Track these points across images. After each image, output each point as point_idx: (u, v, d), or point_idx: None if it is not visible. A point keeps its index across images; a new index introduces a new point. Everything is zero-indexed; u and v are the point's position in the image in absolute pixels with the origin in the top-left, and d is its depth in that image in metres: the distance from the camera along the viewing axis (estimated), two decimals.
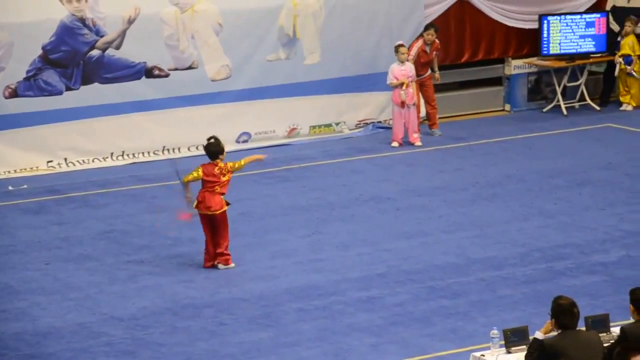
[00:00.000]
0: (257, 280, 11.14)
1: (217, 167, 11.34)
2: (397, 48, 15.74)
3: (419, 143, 15.84)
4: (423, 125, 16.44)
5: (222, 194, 11.38)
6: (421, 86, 16.35)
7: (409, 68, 15.79)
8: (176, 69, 15.80)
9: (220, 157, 11.37)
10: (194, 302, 10.62)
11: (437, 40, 16.34)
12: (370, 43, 16.60)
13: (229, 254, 11.44)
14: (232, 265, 11.43)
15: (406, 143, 15.86)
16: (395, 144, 15.85)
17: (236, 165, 11.45)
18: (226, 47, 15.97)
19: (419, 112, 16.23)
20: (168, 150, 15.82)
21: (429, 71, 16.35)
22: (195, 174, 11.41)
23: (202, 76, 15.90)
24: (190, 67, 15.89)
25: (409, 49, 16.01)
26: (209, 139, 11.44)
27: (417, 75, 16.14)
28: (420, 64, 16.15)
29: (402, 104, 15.68)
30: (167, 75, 15.76)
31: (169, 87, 15.74)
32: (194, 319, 10.23)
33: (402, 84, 15.64)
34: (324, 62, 16.30)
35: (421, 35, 16.34)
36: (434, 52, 16.28)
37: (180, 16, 15.71)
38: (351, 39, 16.34)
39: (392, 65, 15.78)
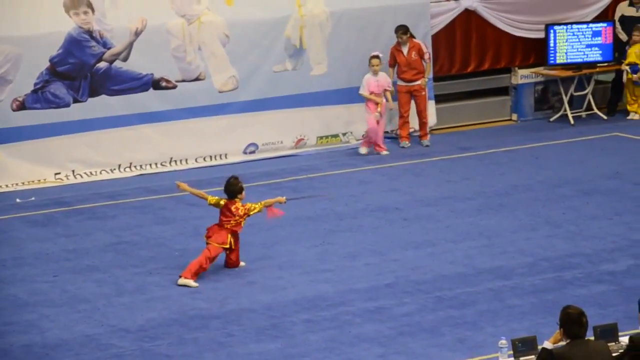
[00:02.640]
0: (265, 291, 11.14)
1: (234, 206, 11.44)
2: (370, 59, 15.74)
3: (385, 152, 15.82)
4: (414, 137, 16.51)
5: (233, 231, 11.46)
6: (414, 97, 16.36)
7: (384, 79, 15.82)
8: (183, 81, 15.84)
9: (239, 196, 11.51)
10: (201, 313, 10.62)
11: (417, 41, 16.26)
12: None
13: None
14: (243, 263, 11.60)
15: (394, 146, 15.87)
16: (364, 150, 15.89)
17: (251, 210, 11.51)
18: (233, 58, 16.01)
19: (408, 123, 16.34)
20: (175, 161, 15.84)
21: (420, 80, 16.31)
22: (219, 201, 11.49)
23: (209, 87, 15.94)
24: (197, 79, 15.93)
25: None
26: (228, 179, 11.57)
27: (403, 80, 16.15)
28: (402, 65, 16.14)
29: (377, 122, 15.76)
30: (174, 87, 15.80)
31: (176, 99, 15.78)
32: (202, 330, 10.24)
33: (377, 103, 15.67)
34: (330, 73, 16.33)
35: None
36: (414, 53, 16.21)
37: (187, 28, 15.76)
38: (358, 50, 16.37)
39: (367, 76, 15.82)
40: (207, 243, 11.52)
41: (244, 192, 11.59)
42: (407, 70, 16.25)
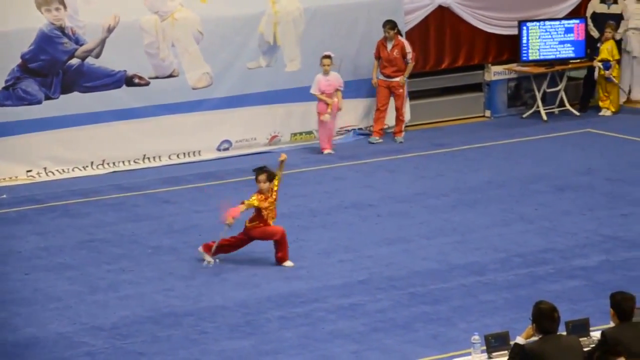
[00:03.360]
0: (238, 288, 11.12)
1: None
2: (321, 59, 15.75)
3: (330, 151, 15.86)
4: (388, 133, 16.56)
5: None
6: (392, 93, 16.38)
7: (335, 78, 15.82)
8: (157, 77, 15.78)
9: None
10: (175, 311, 10.59)
11: (402, 40, 16.28)
12: (350, 50, 16.63)
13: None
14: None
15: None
16: (327, 151, 15.90)
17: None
18: (207, 54, 15.96)
19: (384, 118, 16.33)
20: (149, 158, 15.78)
21: (399, 77, 16.32)
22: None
23: (182, 84, 15.88)
24: (170, 75, 15.87)
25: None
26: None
27: (384, 74, 16.17)
28: (383, 60, 16.18)
29: (327, 123, 15.83)
30: (147, 84, 15.73)
31: (149, 96, 15.71)
32: (175, 328, 10.20)
33: (328, 104, 15.68)
34: (304, 69, 16.30)
35: None
36: (396, 51, 16.23)
37: (160, 24, 15.69)
38: (331, 46, 16.35)
39: (318, 76, 15.81)
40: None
41: (257, 184, 11.53)
42: (387, 65, 16.30)
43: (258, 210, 11.56)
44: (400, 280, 11.13)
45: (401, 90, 16.44)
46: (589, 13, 17.84)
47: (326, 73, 15.83)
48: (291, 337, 9.93)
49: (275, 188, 11.65)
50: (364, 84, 16.56)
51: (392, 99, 16.55)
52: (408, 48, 16.35)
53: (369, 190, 14.22)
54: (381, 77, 16.40)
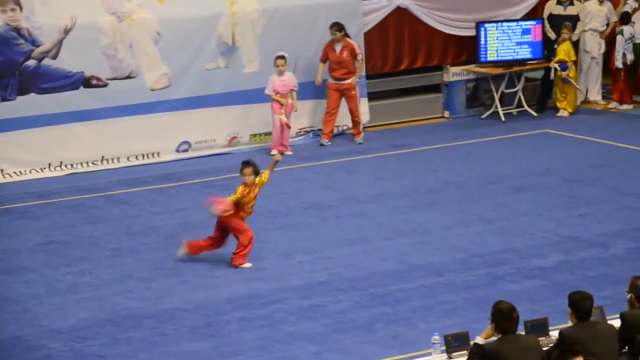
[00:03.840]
0: (198, 289, 11.09)
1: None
2: (275, 59, 15.74)
3: (289, 153, 15.86)
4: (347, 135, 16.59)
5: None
6: (344, 96, 16.40)
7: (289, 79, 15.83)
8: (115, 79, 15.69)
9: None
10: (134, 313, 10.53)
11: (350, 41, 16.27)
12: (309, 51, 16.63)
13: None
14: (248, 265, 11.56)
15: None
16: (274, 152, 15.91)
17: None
18: (165, 56, 15.90)
19: (334, 121, 16.36)
20: (107, 160, 15.69)
21: (351, 79, 16.34)
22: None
23: (141, 85, 15.81)
24: (129, 77, 15.79)
25: None
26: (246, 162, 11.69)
27: (334, 78, 16.19)
28: (333, 63, 16.18)
29: (282, 125, 15.80)
30: (105, 85, 15.64)
31: (107, 97, 15.62)
32: (135, 330, 10.15)
33: (282, 105, 15.70)
34: (263, 71, 16.28)
35: None
36: (346, 53, 16.24)
37: (118, 25, 15.61)
38: (290, 47, 16.35)
39: (273, 77, 15.80)
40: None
41: (242, 177, 11.55)
42: (337, 68, 16.29)
43: (237, 202, 11.49)
44: (361, 281, 11.15)
45: (354, 92, 16.45)
46: (545, 14, 17.99)
47: (281, 74, 15.82)
48: (251, 338, 9.91)
49: (258, 188, 11.57)
50: (323, 86, 16.57)
51: (345, 102, 16.50)
52: (358, 49, 16.35)
53: (329, 192, 14.23)
54: (331, 80, 16.36)
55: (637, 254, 11.55)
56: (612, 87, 18.08)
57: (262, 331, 10.05)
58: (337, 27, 16.18)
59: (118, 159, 15.74)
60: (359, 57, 16.33)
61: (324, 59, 16.33)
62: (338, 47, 16.23)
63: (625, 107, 17.89)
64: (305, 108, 16.79)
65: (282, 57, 15.80)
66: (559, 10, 17.90)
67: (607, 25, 17.93)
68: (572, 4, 17.90)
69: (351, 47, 16.28)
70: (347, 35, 16.32)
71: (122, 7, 15.66)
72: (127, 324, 10.27)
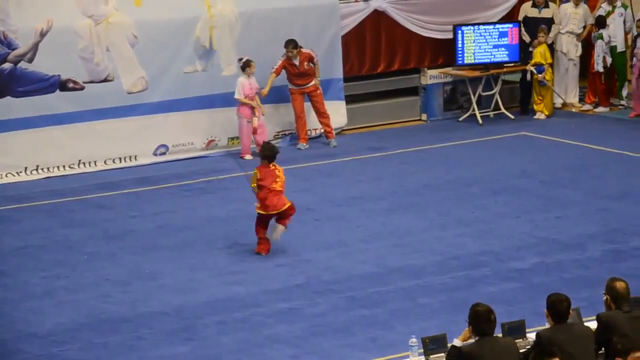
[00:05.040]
0: (176, 293, 11.05)
1: (276, 168, 11.80)
2: (249, 62, 15.69)
3: (249, 157, 15.89)
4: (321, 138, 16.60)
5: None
6: (309, 98, 16.41)
7: (254, 81, 15.82)
8: (91, 82, 15.63)
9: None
10: (112, 317, 10.49)
11: (306, 51, 16.19)
12: None
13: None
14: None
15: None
16: (248, 156, 15.89)
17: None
18: (142, 59, 15.85)
19: (305, 123, 16.35)
20: (84, 164, 15.63)
21: (313, 81, 16.32)
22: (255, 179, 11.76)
23: (118, 89, 15.75)
24: (105, 80, 15.74)
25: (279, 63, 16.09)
26: (264, 144, 12.17)
27: (296, 85, 16.20)
28: (293, 76, 16.17)
29: (255, 131, 15.82)
30: (82, 88, 15.58)
31: (84, 100, 15.56)
32: (112, 334, 10.11)
33: (254, 108, 15.70)
34: (241, 74, 16.25)
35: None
36: (306, 63, 16.21)
37: (95, 28, 15.55)
38: (268, 51, 16.34)
39: (242, 80, 15.75)
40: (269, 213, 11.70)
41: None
42: (300, 78, 16.26)
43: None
44: (339, 284, 11.14)
45: (318, 92, 16.44)
46: (520, 17, 18.05)
47: (249, 76, 15.80)
48: (229, 342, 9.89)
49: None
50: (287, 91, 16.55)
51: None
52: (313, 54, 16.31)
53: (307, 194, 14.22)
54: (293, 86, 16.33)
55: (613, 256, 11.61)
56: (587, 90, 18.16)
57: (241, 335, 10.03)
58: (292, 44, 16.08)
59: (95, 162, 15.68)
60: (315, 60, 16.31)
61: (279, 72, 16.21)
62: (296, 61, 16.18)
63: (601, 109, 17.97)
64: (281, 111, 16.79)
65: (252, 60, 15.78)
66: (534, 12, 17.97)
67: (584, 27, 18.01)
68: (547, 6, 17.98)
69: (309, 57, 16.22)
70: (300, 47, 16.21)
71: (99, 10, 15.61)
72: (104, 328, 10.23)
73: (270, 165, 11.82)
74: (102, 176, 15.30)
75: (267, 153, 11.86)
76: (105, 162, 15.71)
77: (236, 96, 15.81)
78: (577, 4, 17.92)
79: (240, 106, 15.86)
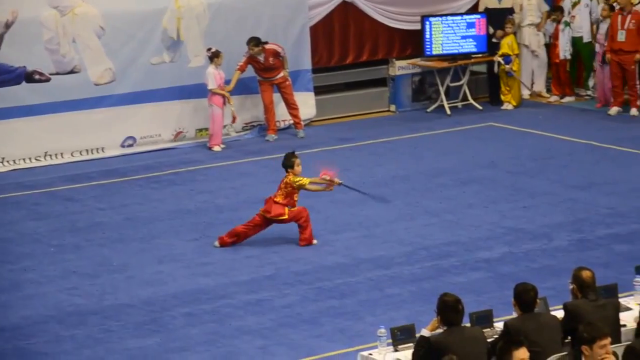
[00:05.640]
0: (144, 285, 11.01)
1: (285, 179, 11.80)
2: (218, 53, 15.64)
3: (218, 149, 15.87)
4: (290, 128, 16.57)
5: (287, 204, 11.74)
6: (279, 89, 16.38)
7: (222, 72, 15.79)
8: (57, 74, 15.52)
9: (291, 170, 11.76)
10: (79, 310, 10.43)
11: (271, 47, 16.11)
12: None
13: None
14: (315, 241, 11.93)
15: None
16: (217, 148, 15.87)
17: (296, 182, 11.73)
18: (109, 50, 15.76)
19: (274, 115, 16.33)
20: (50, 156, 15.52)
21: (282, 73, 16.28)
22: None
23: (84, 80, 15.65)
24: (72, 71, 15.63)
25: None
26: (286, 154, 12.01)
27: (265, 77, 16.17)
28: (261, 70, 16.14)
29: (234, 120, 15.84)
30: (48, 80, 15.46)
31: (50, 92, 15.45)
32: (79, 327, 10.05)
33: (226, 97, 15.72)
34: (209, 65, 16.18)
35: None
36: (271, 58, 16.15)
37: (61, 19, 15.44)
38: (236, 42, 16.28)
39: (212, 71, 15.69)
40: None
41: (296, 167, 11.77)
42: (267, 72, 16.21)
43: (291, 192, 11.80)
44: (307, 275, 11.14)
45: (287, 83, 16.41)
46: (481, 9, 18.08)
47: (217, 67, 15.75)
48: (198, 333, 9.86)
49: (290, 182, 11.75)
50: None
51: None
52: (279, 49, 16.26)
53: (275, 186, 14.15)
54: (261, 78, 16.27)
55: (580, 246, 11.68)
56: (552, 81, 18.24)
57: (209, 326, 10.01)
58: (254, 42, 16.01)
59: (62, 154, 15.57)
60: (282, 53, 16.26)
61: (243, 69, 16.16)
62: (261, 57, 16.13)
63: (567, 99, 18.06)
64: (251, 103, 16.75)
65: (221, 51, 15.74)
66: (494, 3, 18.02)
67: (541, 17, 18.08)
68: None
69: (274, 52, 16.17)
70: (264, 43, 16.16)
71: (65, 1, 15.49)
72: (72, 321, 10.17)
73: (287, 174, 11.82)
74: (69, 168, 15.21)
75: (283, 162, 11.92)
76: (72, 154, 15.61)
77: (210, 87, 15.76)
78: None
79: (213, 96, 15.81)
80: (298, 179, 11.76)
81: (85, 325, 10.09)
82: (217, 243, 11.91)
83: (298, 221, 11.84)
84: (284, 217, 11.78)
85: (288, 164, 11.86)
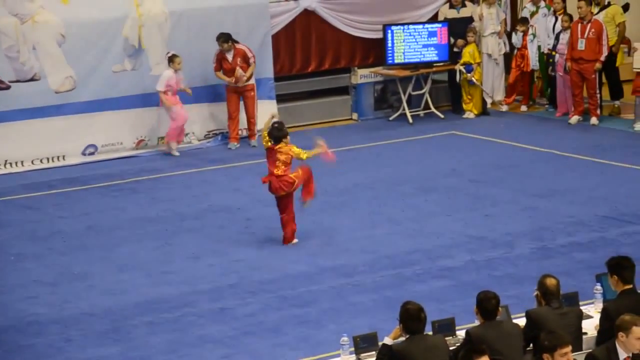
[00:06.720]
0: (105, 294, 10.93)
1: (281, 148, 11.84)
2: (173, 57, 15.73)
3: (174, 145, 15.95)
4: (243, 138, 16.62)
5: (287, 175, 11.89)
6: (242, 97, 16.40)
7: (181, 76, 15.87)
8: (17, 81, 15.42)
9: (284, 140, 11.87)
10: (39, 319, 10.34)
11: (241, 47, 16.17)
12: None
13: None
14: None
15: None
16: (174, 144, 15.82)
17: (295, 152, 11.92)
18: (70, 58, 15.67)
19: (237, 123, 16.39)
20: (10, 164, 15.40)
21: (248, 81, 16.30)
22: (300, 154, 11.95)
23: (45, 88, 15.56)
24: (32, 79, 15.53)
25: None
26: (273, 124, 11.96)
27: (232, 83, 16.17)
28: (228, 71, 16.16)
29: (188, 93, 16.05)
30: (7, 88, 15.35)
31: (10, 100, 15.34)
32: (39, 336, 9.96)
33: (173, 95, 15.85)
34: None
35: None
36: (239, 59, 16.19)
37: (20, 27, 15.34)
38: (198, 50, 16.26)
39: (169, 73, 15.76)
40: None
41: (288, 137, 11.88)
42: (232, 73, 16.21)
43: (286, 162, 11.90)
44: (270, 283, 11.12)
45: (252, 93, 16.42)
46: (440, 19, 18.17)
47: (176, 72, 15.73)
48: (160, 342, 9.81)
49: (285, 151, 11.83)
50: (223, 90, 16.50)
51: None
52: (249, 53, 16.29)
53: (238, 194, 14.17)
54: (230, 86, 16.32)
55: (541, 254, 11.75)
56: (508, 90, 18.36)
57: (171, 335, 9.95)
58: (223, 37, 16.06)
59: (22, 162, 15.46)
60: (251, 60, 16.27)
61: (218, 68, 16.19)
62: (229, 56, 16.14)
63: (524, 108, 18.21)
64: (213, 110, 16.72)
65: (178, 55, 15.75)
66: (453, 13, 18.13)
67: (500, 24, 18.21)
68: (464, 5, 18.12)
69: (243, 53, 16.19)
70: (235, 42, 16.19)
71: (24, 9, 15.39)
72: (32, 330, 10.08)
73: (276, 146, 11.83)
74: (30, 176, 15.09)
75: (275, 133, 11.87)
76: (32, 162, 15.50)
77: (158, 88, 15.73)
78: (491, 4, 18.08)
79: (165, 98, 15.77)
80: (298, 150, 11.96)
81: (45, 334, 10.00)
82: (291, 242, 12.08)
83: (308, 180, 12.04)
84: (296, 185, 11.96)
85: (283, 133, 11.89)
